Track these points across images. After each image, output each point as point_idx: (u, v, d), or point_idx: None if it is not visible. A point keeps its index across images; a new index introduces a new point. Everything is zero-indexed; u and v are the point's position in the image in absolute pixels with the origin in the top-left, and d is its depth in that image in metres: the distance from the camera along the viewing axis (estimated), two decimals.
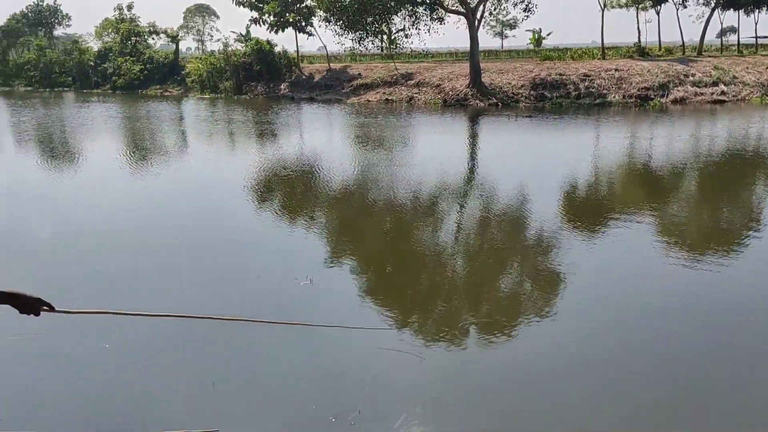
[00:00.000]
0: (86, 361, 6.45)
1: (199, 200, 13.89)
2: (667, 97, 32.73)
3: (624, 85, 33.94)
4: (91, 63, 62.08)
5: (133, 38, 59.81)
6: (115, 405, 5.68)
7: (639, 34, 45.36)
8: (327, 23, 46.40)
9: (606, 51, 44.04)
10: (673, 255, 9.38)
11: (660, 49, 45.23)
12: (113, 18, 63.08)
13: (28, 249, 10.26)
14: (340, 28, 45.59)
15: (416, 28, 44.56)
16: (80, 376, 6.19)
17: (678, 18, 47.16)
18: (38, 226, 11.83)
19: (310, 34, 51.41)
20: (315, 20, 49.45)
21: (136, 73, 56.40)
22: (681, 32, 46.57)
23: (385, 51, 47.78)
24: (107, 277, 8.78)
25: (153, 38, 62.39)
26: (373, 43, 46.73)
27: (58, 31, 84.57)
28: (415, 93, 38.42)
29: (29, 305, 2.95)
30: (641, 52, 42.86)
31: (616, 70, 35.34)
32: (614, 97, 33.41)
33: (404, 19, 44.61)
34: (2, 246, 10.46)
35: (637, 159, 18.78)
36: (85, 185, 16.26)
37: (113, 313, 3.28)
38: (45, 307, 2.97)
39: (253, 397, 5.76)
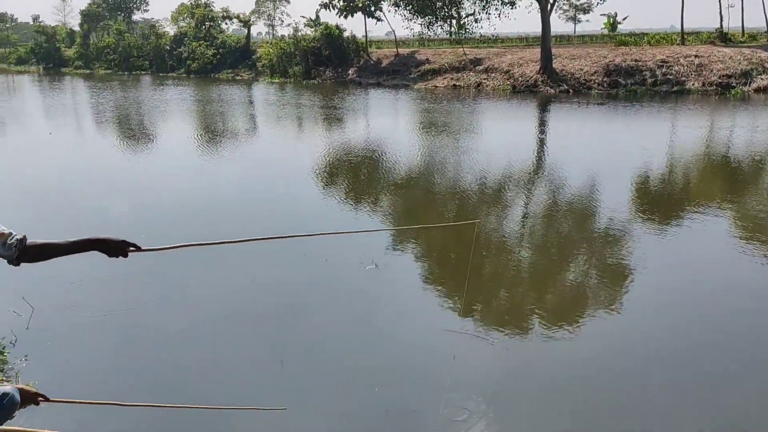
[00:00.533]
0: (159, 338, 6.73)
1: (267, 184, 14.18)
2: (749, 85, 31.20)
3: (704, 72, 32.55)
4: (167, 47, 63.99)
5: (207, 23, 61.29)
6: (185, 381, 5.91)
7: (721, 20, 43.29)
8: (396, 8, 46.42)
9: (686, 36, 42.28)
10: (750, 253, 8.99)
11: (743, 35, 43.04)
12: (189, 3, 64.83)
13: (108, 224, 10.73)
14: (409, 13, 45.54)
15: (486, 13, 44.05)
16: (153, 353, 6.46)
17: (763, 2, 44.47)
18: (115, 202, 12.36)
19: (378, 19, 51.48)
20: (384, 5, 49.49)
21: (209, 57, 57.81)
22: (766, 17, 44.16)
23: (453, 36, 47.38)
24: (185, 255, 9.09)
25: (226, 23, 63.87)
26: (442, 28, 46.53)
27: (136, 16, 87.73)
28: (484, 79, 37.94)
29: (116, 248, 3.05)
30: (723, 38, 40.90)
31: (696, 56, 33.91)
32: (693, 84, 32.11)
33: (474, 3, 44.15)
34: (85, 221, 10.97)
35: (713, 150, 18.03)
36: (158, 166, 16.85)
37: (197, 244, 3.42)
38: (132, 248, 3.06)
39: (320, 379, 5.88)
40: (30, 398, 3.35)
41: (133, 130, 24.50)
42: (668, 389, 5.63)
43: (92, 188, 13.78)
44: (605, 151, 17.80)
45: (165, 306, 7.42)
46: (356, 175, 15.46)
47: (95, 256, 3.02)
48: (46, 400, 3.47)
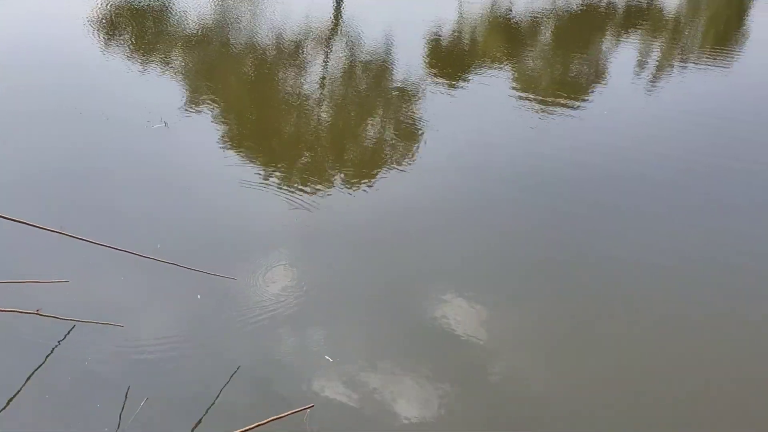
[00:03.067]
0: None
1: (36, 34, 12.42)
2: None
3: None
4: None
5: None
6: None
7: None
8: None
9: None
10: (528, 104, 9.81)
11: None
12: None
13: None
14: None
15: None
16: None
17: None
18: None
19: None
20: None
21: None
22: None
23: None
24: None
25: None
26: None
27: None
28: None
29: None
30: None
31: None
32: None
33: None
34: None
35: (499, 7, 18.93)
36: None
37: None
38: None
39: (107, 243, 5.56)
40: None
41: None
42: (465, 225, 6.15)
43: None
44: (399, 8, 17.90)
45: None
46: (141, 33, 14.05)
47: None
48: None
